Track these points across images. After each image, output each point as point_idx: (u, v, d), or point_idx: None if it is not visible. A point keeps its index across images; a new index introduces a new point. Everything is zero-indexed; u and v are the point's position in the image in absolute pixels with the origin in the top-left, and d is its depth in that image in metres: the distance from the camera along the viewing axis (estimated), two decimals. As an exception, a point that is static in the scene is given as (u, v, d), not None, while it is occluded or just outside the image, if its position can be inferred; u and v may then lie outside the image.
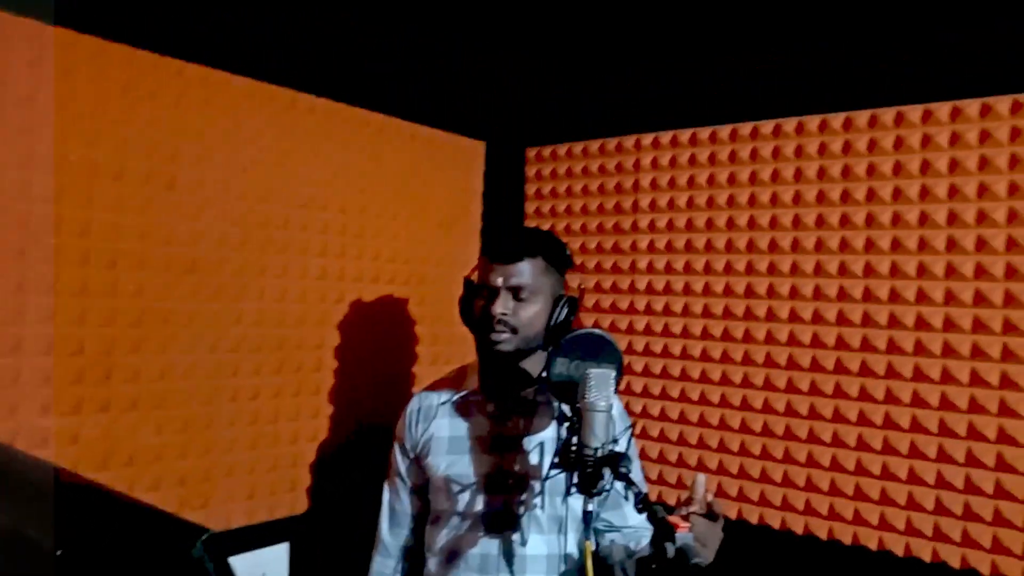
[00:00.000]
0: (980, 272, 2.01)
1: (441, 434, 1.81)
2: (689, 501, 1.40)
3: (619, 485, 1.34)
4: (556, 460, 1.43)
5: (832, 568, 2.23)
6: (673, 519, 1.18)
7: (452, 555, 1.74)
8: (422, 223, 2.77)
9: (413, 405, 1.89)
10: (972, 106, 2.04)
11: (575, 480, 1.38)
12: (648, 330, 2.63)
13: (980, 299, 2.01)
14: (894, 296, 2.14)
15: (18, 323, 1.77)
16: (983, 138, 2.02)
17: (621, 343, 1.54)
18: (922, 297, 2.10)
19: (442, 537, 1.78)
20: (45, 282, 1.82)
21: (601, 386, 1.42)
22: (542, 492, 1.69)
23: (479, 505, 1.73)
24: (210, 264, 2.14)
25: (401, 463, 1.89)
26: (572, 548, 1.72)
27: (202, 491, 2.13)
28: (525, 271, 1.71)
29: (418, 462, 1.84)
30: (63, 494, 0.83)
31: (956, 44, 2.06)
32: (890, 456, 2.13)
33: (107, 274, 1.93)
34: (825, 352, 2.25)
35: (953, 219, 2.06)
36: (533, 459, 1.72)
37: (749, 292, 2.40)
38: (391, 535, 1.92)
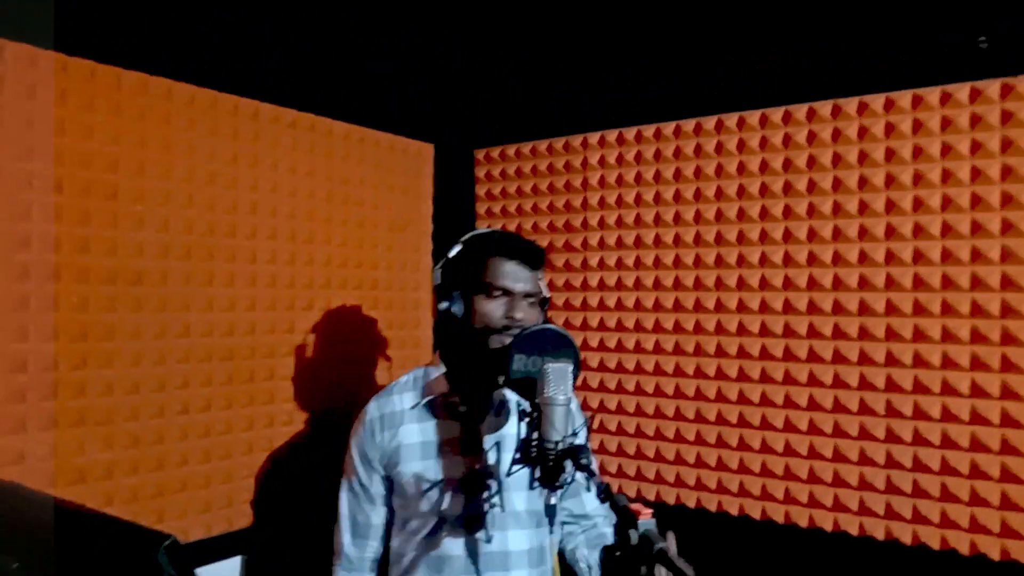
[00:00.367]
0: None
1: (411, 440, 1.76)
2: None
3: (580, 476, 1.35)
4: (517, 456, 1.44)
5: (817, 558, 2.28)
6: (635, 507, 1.19)
7: (432, 561, 1.71)
8: (372, 227, 2.75)
9: (373, 413, 1.81)
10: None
11: (537, 474, 1.39)
12: (602, 326, 2.66)
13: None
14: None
15: (-45, 341, 1.71)
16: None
17: (576, 340, 1.55)
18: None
19: (417, 544, 1.74)
20: (-17, 298, 1.76)
21: (559, 380, 1.43)
22: (521, 488, 1.69)
23: (457, 508, 1.71)
24: (155, 275, 2.09)
25: (364, 473, 1.81)
26: (545, 540, 1.74)
27: (155, 506, 2.08)
28: (537, 278, 1.74)
29: (385, 471, 1.78)
30: (21, 507, 0.80)
31: (944, 32, 2.05)
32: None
33: (48, 287, 1.87)
34: (775, 340, 2.30)
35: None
36: (505, 457, 1.72)
37: (698, 284, 2.45)
38: (355, 547, 1.83)
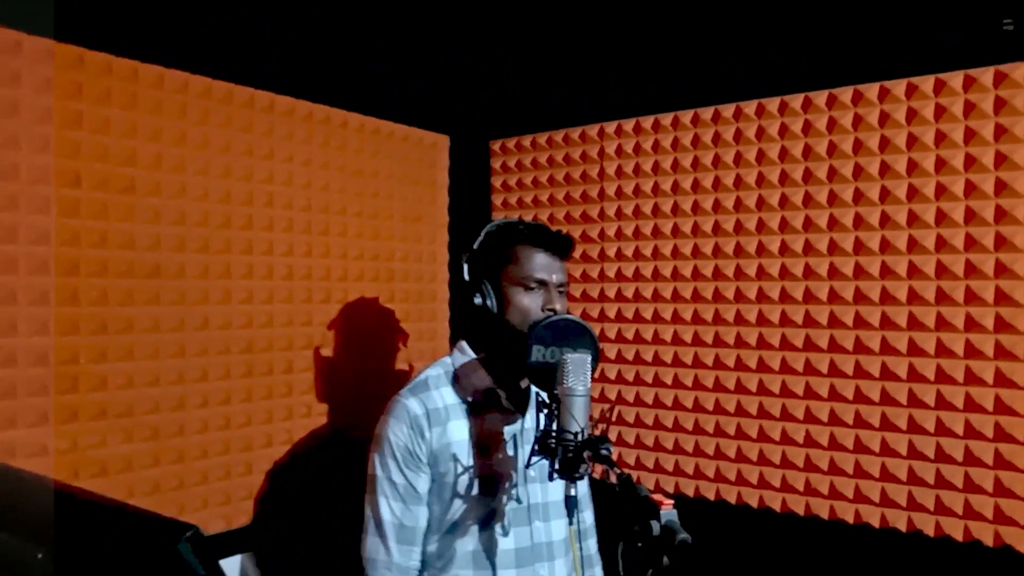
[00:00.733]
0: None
1: (460, 437, 1.69)
2: None
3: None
4: (536, 447, 1.43)
5: (815, 544, 2.27)
6: (657, 497, 1.18)
7: (479, 556, 1.69)
8: (388, 219, 2.75)
9: (416, 410, 1.68)
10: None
11: (556, 465, 1.38)
12: (620, 316, 2.64)
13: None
14: (858, 271, 2.17)
15: (-23, 335, 1.73)
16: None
17: (593, 330, 1.54)
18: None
19: (463, 542, 1.68)
20: (5, 292, 1.77)
21: (578, 371, 1.42)
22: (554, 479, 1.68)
23: (507, 502, 1.70)
24: (172, 268, 2.10)
25: (411, 474, 1.68)
26: (581, 526, 1.78)
27: (176, 498, 2.09)
28: (566, 269, 1.74)
29: (432, 469, 1.69)
30: (44, 498, 0.81)
31: (936, 20, 2.05)
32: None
33: (68, 282, 1.88)
34: (795, 330, 2.28)
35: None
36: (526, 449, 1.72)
37: (717, 274, 2.42)
38: (402, 555, 1.68)
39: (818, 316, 2.24)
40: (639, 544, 1.17)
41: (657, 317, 2.56)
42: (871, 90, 2.15)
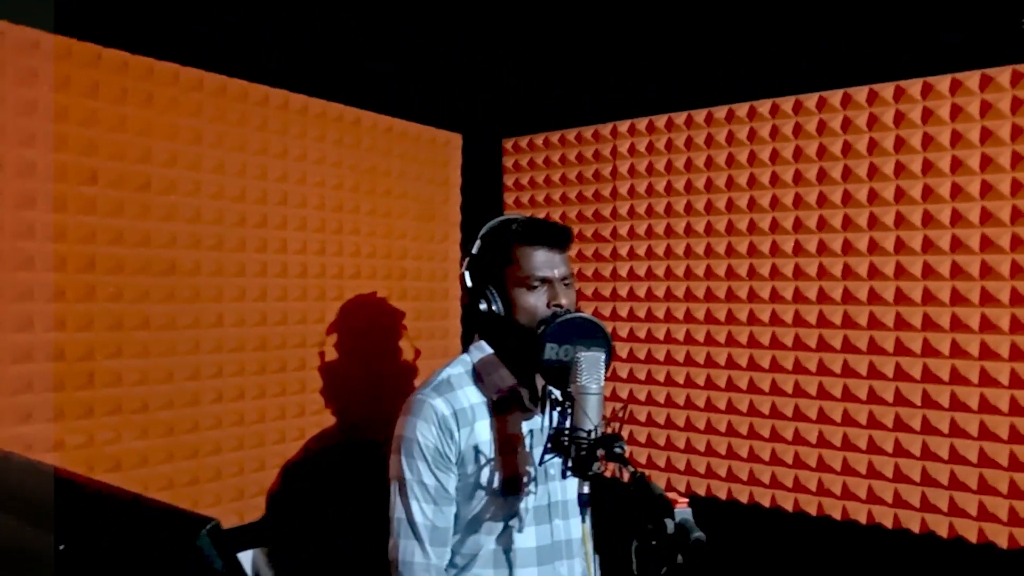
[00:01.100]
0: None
1: (487, 436, 1.69)
2: None
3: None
4: (548, 445, 1.43)
5: (827, 545, 2.26)
6: (671, 495, 1.18)
7: (501, 556, 1.69)
8: (400, 217, 2.75)
9: (444, 409, 1.65)
10: (943, 82, 2.06)
11: (569, 463, 1.38)
12: (632, 315, 2.64)
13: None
14: (873, 272, 2.16)
15: (-5, 330, 1.74)
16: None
17: (607, 329, 1.54)
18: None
19: (487, 541, 1.69)
20: (20, 288, 1.78)
21: (592, 369, 1.42)
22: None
23: (532, 500, 1.70)
24: (188, 265, 2.11)
25: (441, 475, 1.65)
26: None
27: (190, 494, 2.10)
28: (568, 260, 1.71)
29: (460, 469, 1.68)
30: (61, 491, 0.81)
31: (952, 19, 2.05)
32: (876, 431, 2.16)
33: (84, 278, 1.90)
34: (808, 331, 2.27)
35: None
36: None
37: (730, 273, 2.42)
38: (437, 555, 1.66)
39: (832, 316, 2.23)
40: (653, 543, 1.17)
41: (670, 316, 2.55)
42: (886, 90, 2.14)
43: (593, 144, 2.75)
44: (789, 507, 2.30)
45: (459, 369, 1.75)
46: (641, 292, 2.62)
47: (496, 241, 1.72)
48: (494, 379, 1.73)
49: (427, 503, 1.65)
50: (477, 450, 1.67)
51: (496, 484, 1.67)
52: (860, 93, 2.18)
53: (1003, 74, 1.98)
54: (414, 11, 2.30)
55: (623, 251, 2.67)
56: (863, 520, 2.17)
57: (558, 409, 1.47)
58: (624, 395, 2.64)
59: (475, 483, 1.67)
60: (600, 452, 1.35)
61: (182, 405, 2.09)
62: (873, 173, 2.16)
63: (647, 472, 2.58)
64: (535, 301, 1.64)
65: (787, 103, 2.31)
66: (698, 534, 1.12)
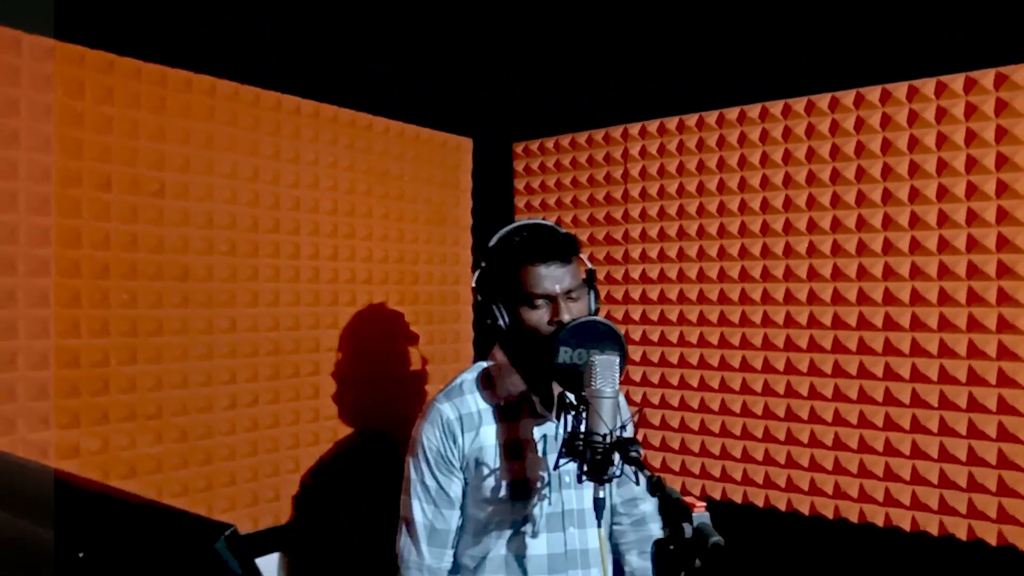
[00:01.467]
0: (971, 244, 2.02)
1: (493, 441, 1.69)
2: None
3: (629, 470, 1.33)
4: (563, 450, 1.42)
5: (843, 547, 2.24)
6: (689, 499, 1.17)
7: (513, 562, 1.69)
8: (412, 221, 2.76)
9: (449, 414, 1.69)
10: (956, 81, 2.05)
11: (585, 468, 1.37)
12: (644, 318, 2.63)
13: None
14: (888, 272, 2.15)
15: (11, 337, 1.75)
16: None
17: (621, 332, 1.53)
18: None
19: (497, 546, 1.69)
20: (37, 294, 1.79)
21: (606, 373, 1.41)
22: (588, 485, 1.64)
23: (545, 507, 1.69)
24: (201, 270, 2.12)
25: (444, 478, 1.69)
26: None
27: (205, 499, 2.11)
28: (574, 270, 1.65)
29: (465, 473, 1.70)
30: (76, 498, 0.82)
31: (937, 22, 2.05)
32: (892, 432, 2.14)
33: (99, 284, 1.91)
34: (823, 332, 2.25)
35: (943, 194, 2.06)
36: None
37: (744, 275, 2.41)
38: (433, 557, 1.70)
39: (847, 317, 2.21)
40: (671, 547, 1.16)
41: (683, 319, 2.54)
42: (900, 89, 2.14)
43: (604, 147, 2.74)
44: (806, 511, 2.28)
45: (473, 374, 1.77)
46: (654, 295, 2.61)
47: (500, 256, 1.70)
48: (506, 385, 1.74)
49: (427, 504, 1.70)
50: (483, 454, 1.68)
51: (503, 489, 1.68)
52: (873, 93, 2.17)
53: (1018, 72, 1.97)
54: (425, 17, 2.31)
55: (635, 254, 2.66)
56: (880, 523, 2.16)
57: (572, 414, 1.47)
58: (637, 399, 2.63)
59: (483, 487, 1.68)
60: (616, 456, 1.34)
61: (196, 410, 2.09)
62: (887, 173, 2.15)
63: (662, 477, 2.56)
64: (537, 319, 1.62)
65: (799, 104, 2.30)
66: (716, 538, 1.10)
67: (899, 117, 2.13)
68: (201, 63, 2.12)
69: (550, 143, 2.89)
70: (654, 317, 2.61)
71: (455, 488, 1.70)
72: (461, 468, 1.69)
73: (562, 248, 1.65)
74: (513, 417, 1.72)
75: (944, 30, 2.07)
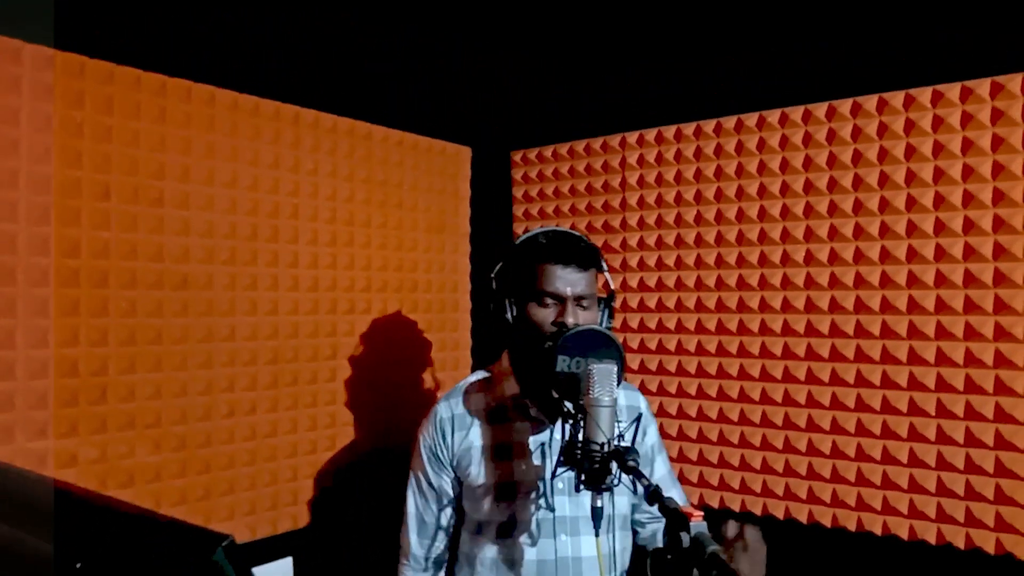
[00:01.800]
0: (968, 253, 2.03)
1: (482, 443, 1.74)
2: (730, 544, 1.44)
3: (627, 479, 1.33)
4: (561, 458, 1.42)
5: (840, 556, 2.24)
6: (686, 509, 1.17)
7: (503, 565, 1.70)
8: (411, 229, 2.76)
9: (443, 413, 1.78)
10: (953, 90, 2.06)
11: (583, 477, 1.38)
12: (642, 327, 2.64)
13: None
14: (885, 280, 2.15)
15: (9, 347, 1.75)
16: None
17: (619, 341, 1.53)
18: (913, 280, 2.12)
19: (489, 548, 1.72)
20: (36, 304, 1.80)
21: (604, 381, 1.41)
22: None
23: (530, 512, 1.69)
24: (200, 279, 2.12)
25: (433, 474, 1.78)
26: (618, 546, 1.72)
27: (203, 508, 2.11)
28: (589, 279, 1.68)
29: (455, 472, 1.76)
30: (75, 508, 0.82)
31: (934, 30, 2.07)
32: (889, 440, 2.14)
33: (98, 293, 1.91)
34: (820, 340, 2.26)
35: (940, 202, 2.07)
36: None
37: (742, 284, 2.41)
38: (421, 547, 1.82)
39: (844, 326, 2.22)
40: (668, 556, 1.16)
41: (681, 327, 2.55)
42: (896, 98, 2.15)
43: (601, 155, 2.75)
44: (804, 519, 2.28)
45: (476, 377, 1.85)
46: (652, 303, 2.61)
47: (523, 254, 1.72)
48: (501, 388, 1.78)
49: (419, 496, 1.82)
50: (470, 453, 1.74)
51: (489, 489, 1.71)
52: (870, 102, 2.18)
53: (1013, 81, 1.98)
54: (423, 26, 2.31)
55: (633, 262, 2.66)
56: (878, 531, 2.16)
57: (570, 422, 1.47)
58: (636, 406, 2.63)
59: (472, 486, 1.73)
60: (614, 465, 1.35)
61: (195, 419, 2.10)
62: (884, 182, 2.16)
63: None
64: (542, 317, 1.64)
65: (796, 112, 2.31)
66: (713, 547, 1.11)
67: (896, 126, 2.14)
68: (200, 72, 2.13)
69: (548, 151, 2.90)
70: (652, 325, 2.61)
71: (444, 484, 1.78)
72: (451, 466, 1.76)
73: (582, 254, 1.67)
74: (500, 420, 1.75)
75: (940, 40, 2.08)
